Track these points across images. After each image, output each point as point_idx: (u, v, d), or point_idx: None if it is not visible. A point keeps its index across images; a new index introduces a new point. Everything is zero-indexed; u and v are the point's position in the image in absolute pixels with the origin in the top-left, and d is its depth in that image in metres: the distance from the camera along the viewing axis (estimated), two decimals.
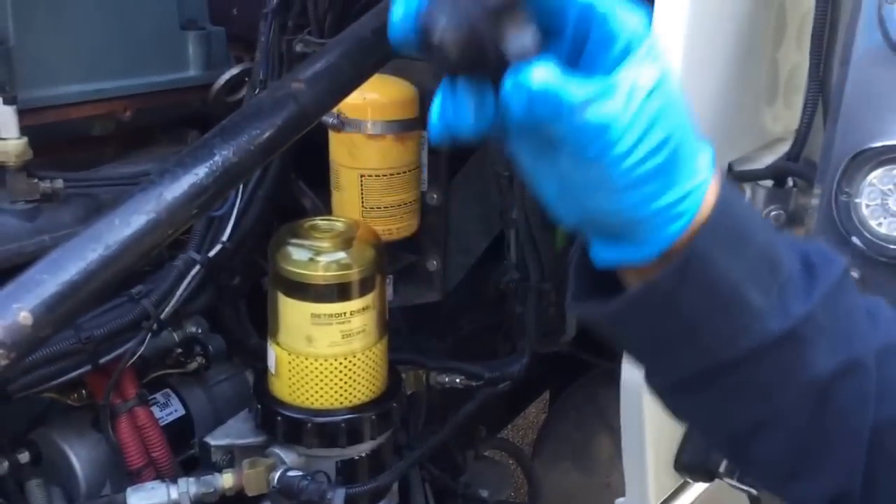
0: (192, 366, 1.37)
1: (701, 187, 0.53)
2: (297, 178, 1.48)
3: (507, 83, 0.49)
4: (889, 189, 0.75)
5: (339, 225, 1.23)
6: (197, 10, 1.51)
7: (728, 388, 0.57)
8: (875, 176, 0.75)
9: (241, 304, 1.49)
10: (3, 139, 1.08)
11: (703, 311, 0.54)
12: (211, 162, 0.86)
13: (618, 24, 0.50)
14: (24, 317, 0.56)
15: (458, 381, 1.45)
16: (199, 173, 0.85)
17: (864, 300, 0.59)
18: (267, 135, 0.89)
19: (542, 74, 0.48)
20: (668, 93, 0.51)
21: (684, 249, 0.52)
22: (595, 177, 0.51)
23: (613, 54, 0.50)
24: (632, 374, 0.97)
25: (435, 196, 1.42)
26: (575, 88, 0.48)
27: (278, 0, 1.42)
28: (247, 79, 1.50)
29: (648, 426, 1.06)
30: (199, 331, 1.39)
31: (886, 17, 0.73)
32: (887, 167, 0.75)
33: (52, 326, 0.58)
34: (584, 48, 0.52)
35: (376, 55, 1.03)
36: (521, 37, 0.48)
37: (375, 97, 1.27)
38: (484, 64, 0.49)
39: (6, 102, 1.07)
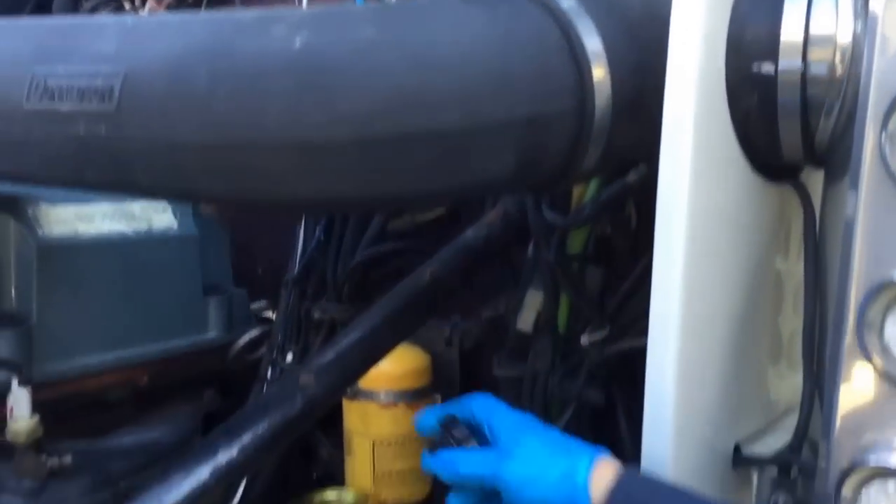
0: None
1: None
2: (315, 427, 1.48)
3: None
4: None
5: (349, 498, 1.21)
6: (221, 274, 1.54)
7: None
8: None
9: None
10: (15, 420, 1.09)
11: None
12: (214, 462, 0.87)
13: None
14: None
15: None
16: (202, 475, 0.86)
17: None
18: (272, 431, 0.90)
19: None
20: None
21: None
22: None
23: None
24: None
25: None
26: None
27: (299, 269, 1.48)
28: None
29: None
30: None
31: None
32: None
33: None
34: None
35: (384, 345, 1.06)
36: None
37: (388, 368, 1.29)
38: None
39: (21, 383, 1.08)
